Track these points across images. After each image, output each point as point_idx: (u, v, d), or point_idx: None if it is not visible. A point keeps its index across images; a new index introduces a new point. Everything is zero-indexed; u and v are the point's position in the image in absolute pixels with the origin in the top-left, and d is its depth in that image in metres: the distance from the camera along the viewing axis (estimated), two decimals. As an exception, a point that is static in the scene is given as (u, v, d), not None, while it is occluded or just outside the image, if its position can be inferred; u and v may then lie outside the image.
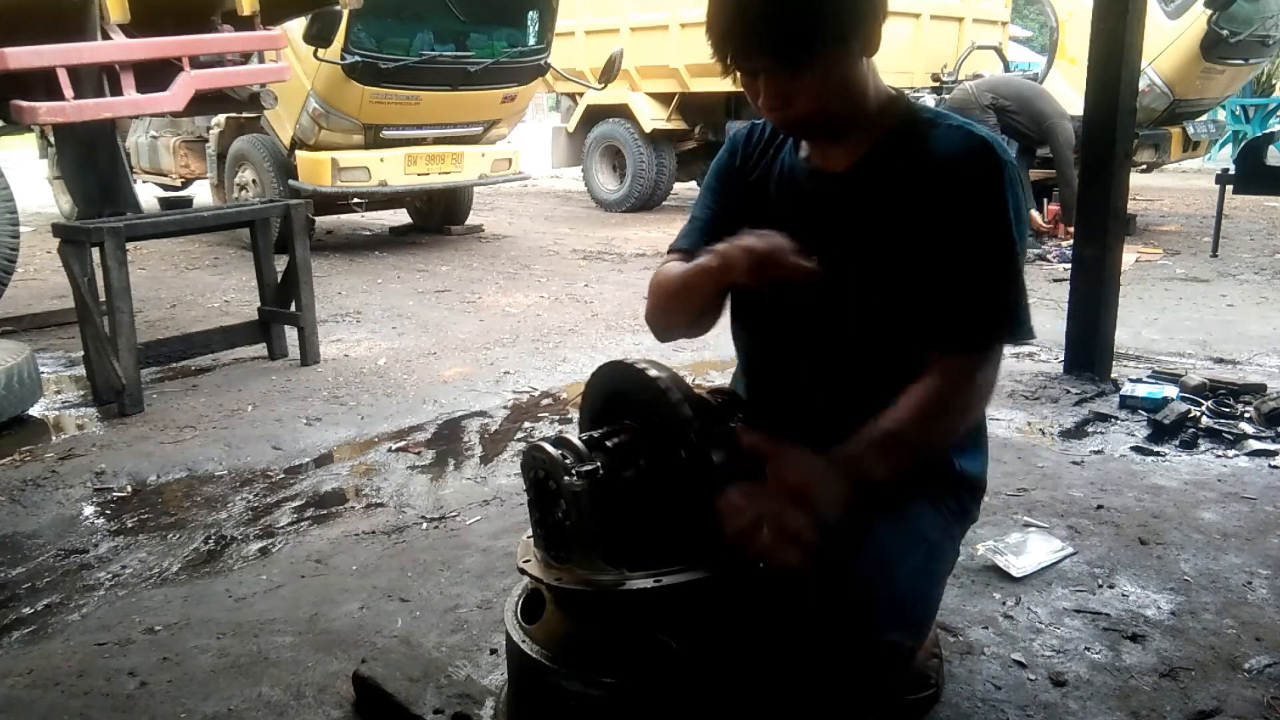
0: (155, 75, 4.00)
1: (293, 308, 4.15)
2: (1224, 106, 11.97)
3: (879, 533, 1.40)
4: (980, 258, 1.35)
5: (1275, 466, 2.85)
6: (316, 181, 6.84)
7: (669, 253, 1.60)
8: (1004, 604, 2.04)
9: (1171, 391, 3.37)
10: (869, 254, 1.40)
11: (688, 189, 10.86)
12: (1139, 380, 3.51)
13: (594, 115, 10.26)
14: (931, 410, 1.32)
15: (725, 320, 1.59)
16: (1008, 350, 1.46)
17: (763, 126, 1.58)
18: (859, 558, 1.36)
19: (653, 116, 9.75)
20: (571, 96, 10.87)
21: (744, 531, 1.20)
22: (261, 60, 4.65)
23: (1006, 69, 9.03)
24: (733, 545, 1.20)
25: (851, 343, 1.44)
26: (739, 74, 1.37)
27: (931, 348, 1.36)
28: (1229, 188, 6.83)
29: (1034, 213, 7.41)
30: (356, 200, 7.50)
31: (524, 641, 1.32)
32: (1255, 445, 3.00)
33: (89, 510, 2.75)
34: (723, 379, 1.69)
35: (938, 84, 8.44)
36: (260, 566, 2.35)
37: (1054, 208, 7.58)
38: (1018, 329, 1.38)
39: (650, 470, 1.28)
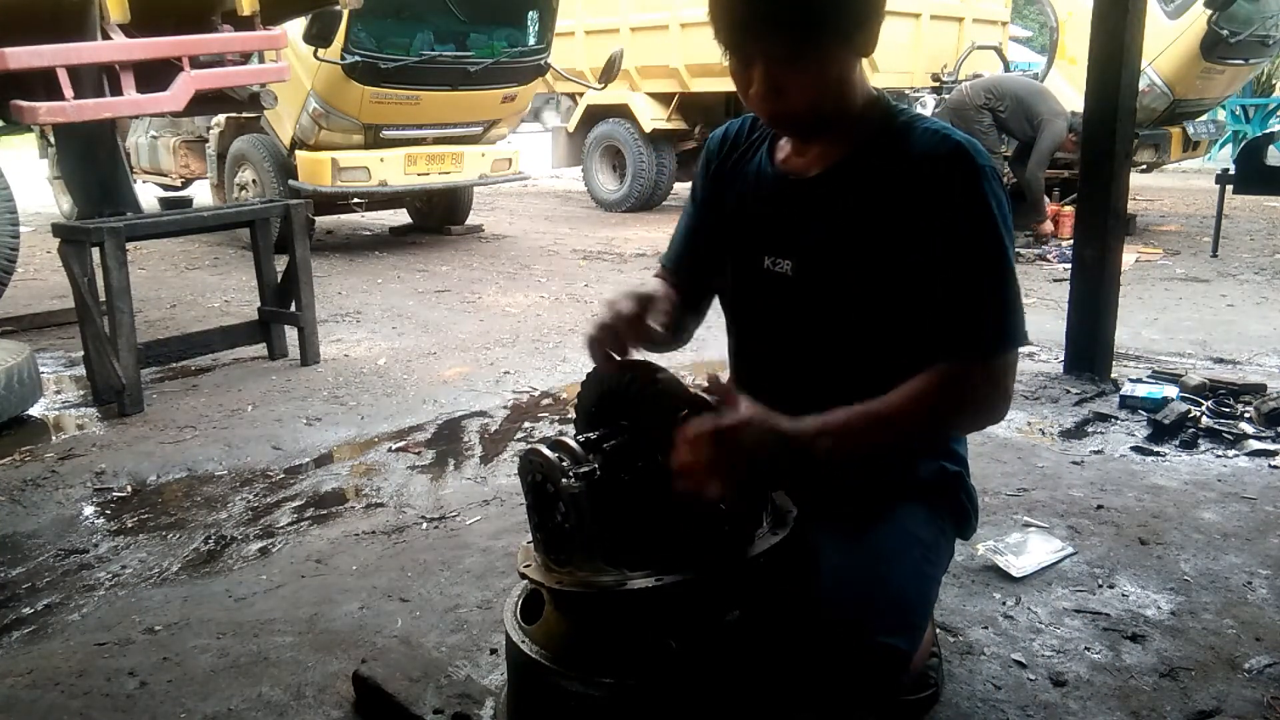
0: (155, 75, 4.00)
1: (293, 308, 4.15)
2: (1224, 106, 11.97)
3: (872, 535, 1.40)
4: (973, 261, 1.32)
5: (1275, 466, 2.85)
6: (316, 181, 6.84)
7: (661, 267, 1.65)
8: (1004, 604, 2.03)
9: (1171, 391, 3.36)
10: (837, 258, 1.39)
11: (688, 189, 10.85)
12: (1139, 380, 3.51)
13: (594, 115, 10.27)
14: (910, 409, 1.29)
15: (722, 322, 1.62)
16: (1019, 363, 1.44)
17: (738, 130, 1.59)
18: (853, 561, 1.36)
19: (653, 116, 9.75)
20: (571, 96, 10.87)
21: (687, 463, 1.19)
22: (261, 60, 4.66)
23: (1007, 69, 9.03)
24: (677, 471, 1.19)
25: (826, 345, 1.44)
26: (733, 62, 1.35)
27: (935, 358, 1.32)
28: (1229, 188, 6.84)
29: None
30: (356, 200, 7.50)
31: (523, 642, 1.32)
32: (1255, 445, 3.00)
33: (89, 510, 2.75)
34: (720, 379, 1.71)
35: (938, 84, 8.44)
36: (260, 566, 2.35)
37: (1054, 207, 7.59)
38: (1016, 334, 1.33)
39: (648, 470, 1.28)
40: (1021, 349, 1.35)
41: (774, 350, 1.52)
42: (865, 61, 1.40)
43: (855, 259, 1.37)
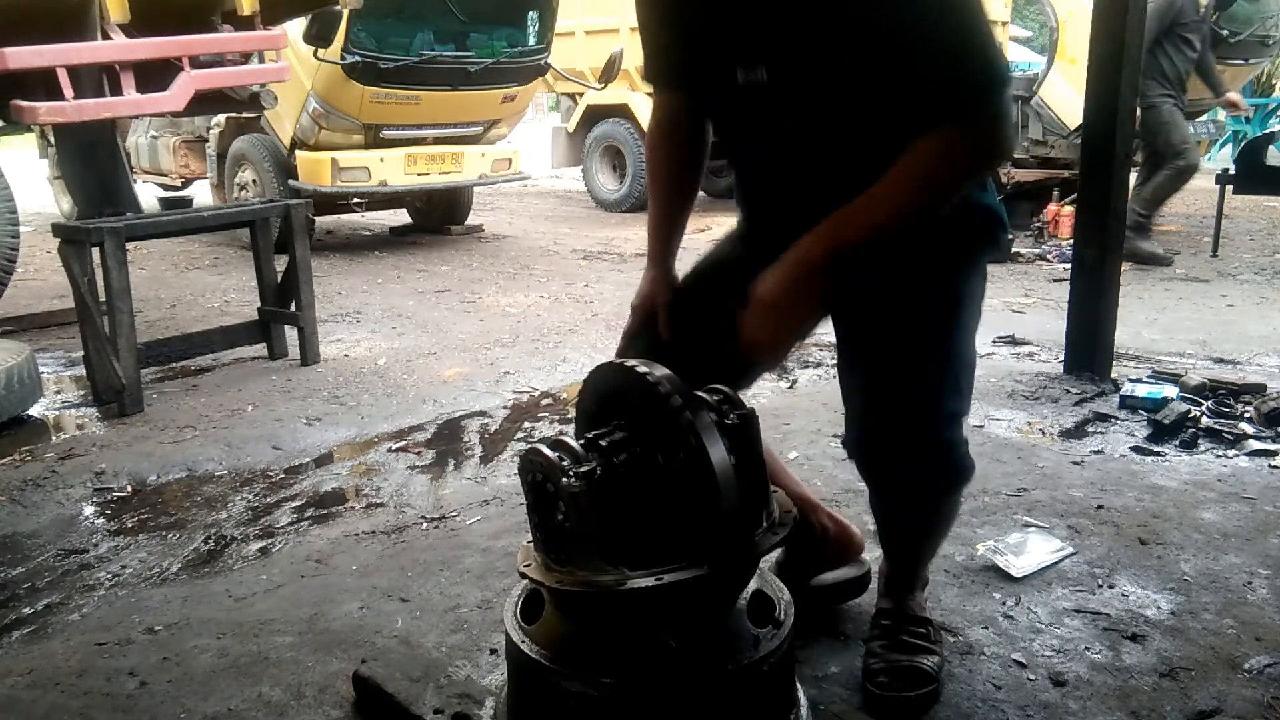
0: (155, 75, 4.00)
1: (293, 308, 4.15)
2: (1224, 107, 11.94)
3: (921, 308, 1.45)
4: (938, 17, 1.25)
5: (1275, 466, 2.85)
6: (316, 181, 6.84)
7: (653, 91, 1.64)
8: (1004, 604, 2.03)
9: (1171, 391, 3.36)
10: (811, 55, 1.34)
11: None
12: (1139, 380, 3.51)
13: (594, 115, 10.26)
14: (910, 170, 1.26)
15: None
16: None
17: None
18: (901, 334, 1.43)
19: (653, 116, 9.74)
20: (571, 96, 10.86)
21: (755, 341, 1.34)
22: (261, 60, 4.66)
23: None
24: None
25: (823, 142, 1.41)
26: None
27: (919, 127, 1.26)
28: (1229, 188, 6.83)
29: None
30: (356, 200, 7.50)
31: (524, 642, 1.32)
32: (1255, 445, 3.00)
33: (89, 510, 2.75)
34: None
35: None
36: (260, 566, 2.35)
37: (1053, 208, 7.58)
38: (999, 81, 1.27)
39: (648, 469, 1.28)
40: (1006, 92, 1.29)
41: (773, 160, 1.49)
42: None
43: (829, 51, 1.32)
